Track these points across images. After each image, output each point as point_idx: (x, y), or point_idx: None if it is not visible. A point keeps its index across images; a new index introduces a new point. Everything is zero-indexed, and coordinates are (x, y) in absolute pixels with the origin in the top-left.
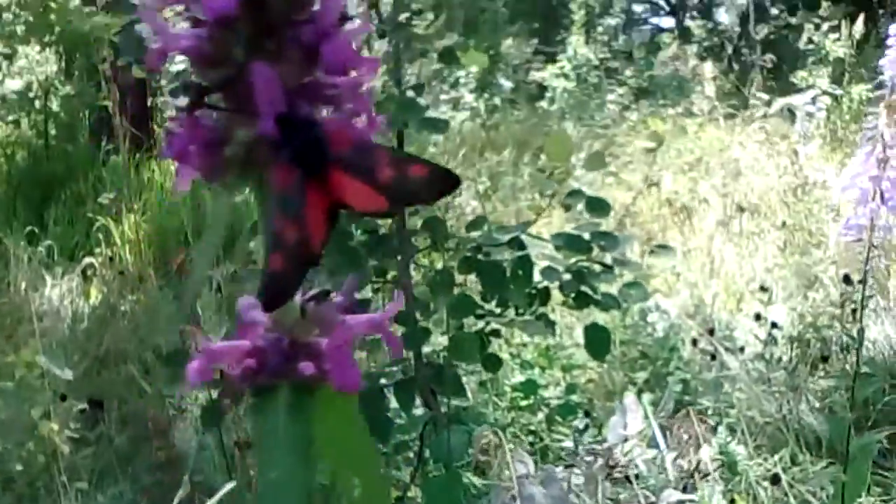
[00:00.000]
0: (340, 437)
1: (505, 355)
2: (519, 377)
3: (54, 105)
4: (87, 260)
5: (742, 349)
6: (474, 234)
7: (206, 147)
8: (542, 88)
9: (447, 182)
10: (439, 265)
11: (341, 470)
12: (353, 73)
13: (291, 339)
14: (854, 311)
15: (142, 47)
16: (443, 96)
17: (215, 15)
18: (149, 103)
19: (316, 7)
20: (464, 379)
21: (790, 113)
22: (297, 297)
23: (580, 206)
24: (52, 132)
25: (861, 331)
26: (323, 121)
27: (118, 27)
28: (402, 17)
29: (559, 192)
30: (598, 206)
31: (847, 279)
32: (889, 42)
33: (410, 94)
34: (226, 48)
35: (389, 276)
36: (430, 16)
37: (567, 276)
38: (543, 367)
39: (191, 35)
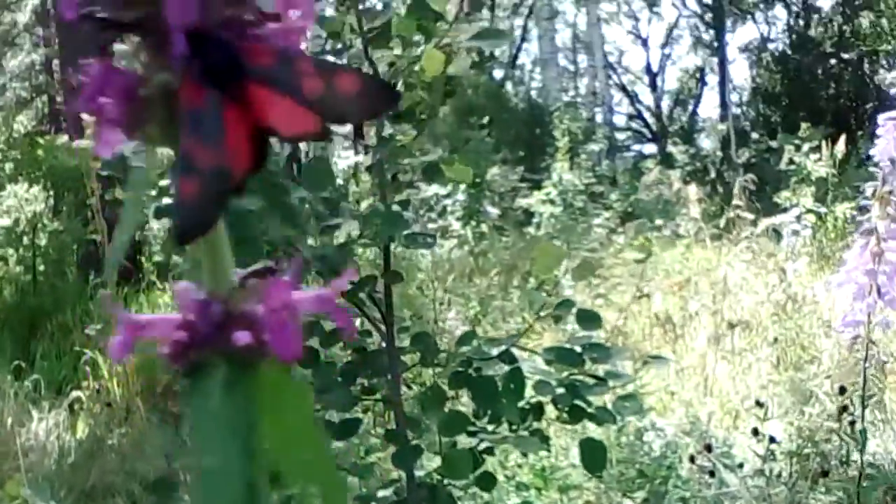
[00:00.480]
0: (283, 419)
1: (500, 477)
2: (515, 499)
3: (42, 241)
4: (75, 393)
5: (741, 466)
6: (464, 348)
7: (124, 95)
8: (529, 214)
9: (383, 96)
10: (429, 382)
11: (284, 459)
12: (289, 15)
13: (225, 308)
14: (852, 423)
15: (126, 167)
16: (430, 225)
17: None
18: (136, 237)
19: None
20: (458, 500)
21: (776, 232)
22: (236, 273)
23: (570, 327)
24: (41, 267)
25: (864, 431)
26: (243, 32)
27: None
28: (387, 132)
29: (549, 303)
30: (589, 319)
31: (843, 390)
32: (878, 132)
33: (396, 208)
34: None
35: (379, 395)
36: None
37: (560, 390)
38: (539, 489)
39: None
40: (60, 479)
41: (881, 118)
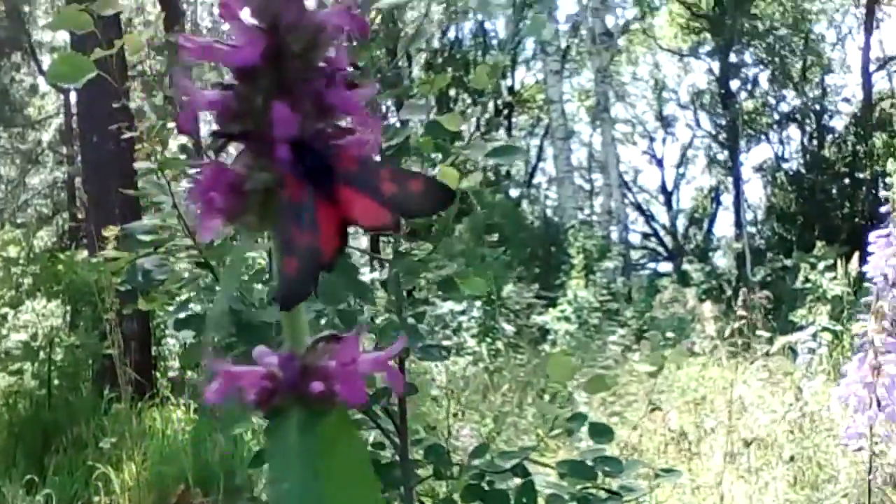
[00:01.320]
0: (345, 456)
1: None
2: None
3: (58, 355)
4: None
5: None
6: (477, 461)
7: (229, 190)
8: (545, 331)
9: (443, 195)
10: (443, 495)
11: (341, 487)
12: (360, 130)
13: (303, 363)
14: None
15: (147, 279)
16: (445, 342)
17: (241, 65)
18: (152, 352)
19: (327, 65)
20: None
21: (792, 350)
22: (308, 338)
23: (584, 444)
24: (55, 381)
25: None
26: (332, 144)
27: (124, 270)
28: (404, 247)
29: (562, 416)
30: (601, 432)
31: None
32: (870, 248)
33: (411, 321)
34: (248, 101)
35: None
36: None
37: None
38: None
39: (216, 93)
40: None
41: (872, 236)
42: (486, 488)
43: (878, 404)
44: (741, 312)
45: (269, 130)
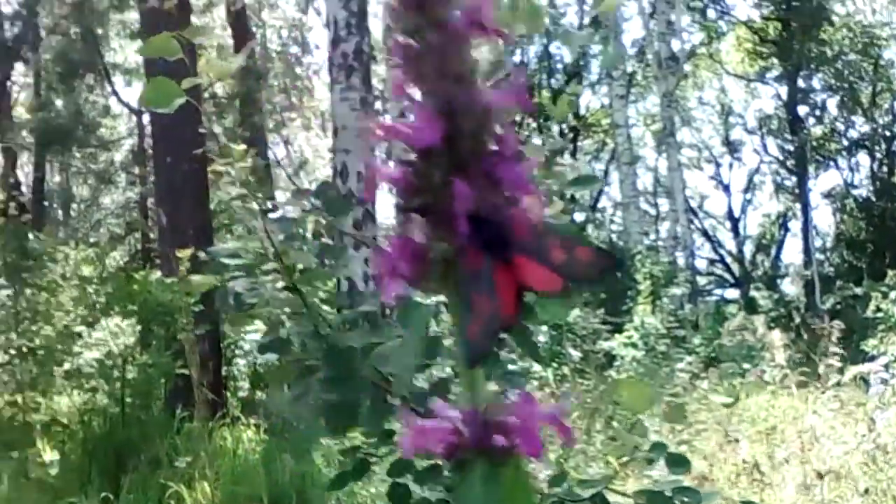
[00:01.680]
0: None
1: None
2: None
3: (130, 374)
4: None
5: None
6: (556, 490)
7: (413, 258)
8: (611, 357)
9: (608, 261)
10: None
11: None
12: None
13: (485, 419)
14: None
15: (238, 302)
16: (511, 366)
17: (423, 146)
18: (224, 372)
19: (496, 145)
20: None
21: (864, 380)
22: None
23: (656, 473)
24: (128, 400)
25: None
26: (506, 214)
27: (198, 294)
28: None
29: (640, 444)
30: (678, 462)
31: None
32: None
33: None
34: (427, 178)
35: None
36: None
37: None
38: None
39: (398, 169)
40: None
41: None
42: None
43: None
44: (833, 350)
45: (448, 204)
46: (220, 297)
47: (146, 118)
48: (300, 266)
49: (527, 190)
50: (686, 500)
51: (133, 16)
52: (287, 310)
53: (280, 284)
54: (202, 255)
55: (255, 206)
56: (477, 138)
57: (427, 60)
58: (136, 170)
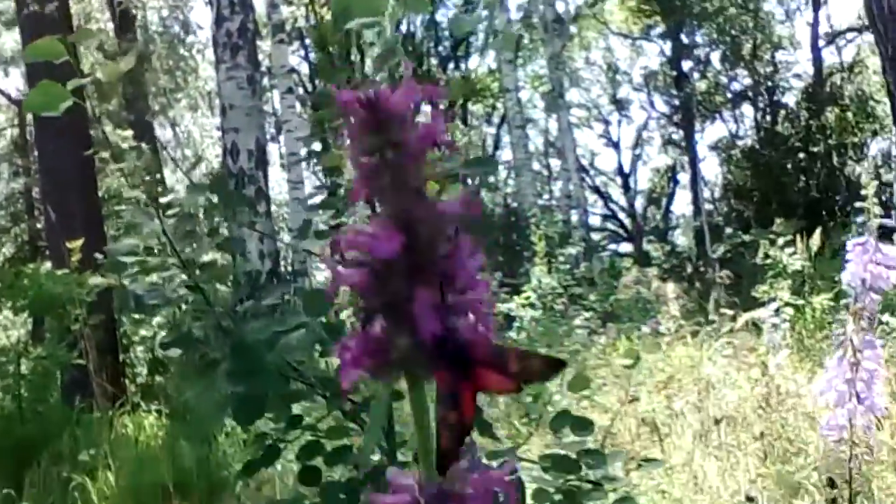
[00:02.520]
0: None
1: None
2: None
3: (24, 368)
4: None
5: None
6: (464, 461)
7: (375, 354)
8: (510, 318)
9: (557, 367)
10: None
11: None
12: (472, 293)
13: (442, 489)
14: None
15: (139, 304)
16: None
17: (383, 256)
18: (122, 359)
19: (448, 247)
20: None
21: (755, 326)
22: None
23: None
24: (24, 394)
25: None
26: (463, 332)
27: (95, 288)
28: None
29: (546, 414)
30: (582, 426)
31: (832, 483)
32: (847, 256)
33: None
34: (386, 281)
35: None
36: None
37: (558, 497)
38: None
39: (358, 272)
40: None
41: (849, 244)
42: None
43: (858, 398)
44: (724, 298)
45: (407, 304)
46: (121, 299)
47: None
48: (199, 260)
49: (478, 289)
50: (591, 462)
51: (8, 3)
52: (189, 307)
53: (180, 280)
54: (94, 248)
55: (147, 202)
56: (432, 245)
57: (385, 176)
58: (20, 160)
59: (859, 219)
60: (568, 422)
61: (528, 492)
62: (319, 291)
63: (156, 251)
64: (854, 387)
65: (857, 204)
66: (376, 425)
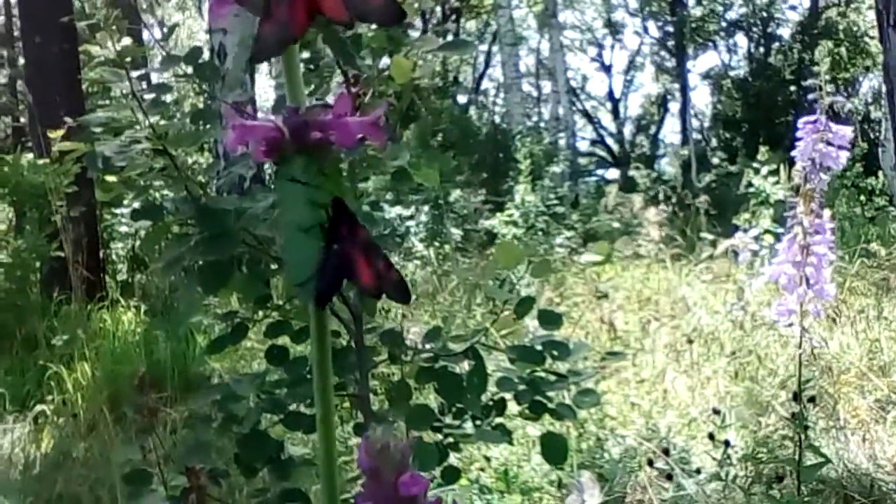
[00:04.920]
0: (336, 188)
1: (463, 481)
2: (478, 502)
3: (3, 258)
4: (39, 407)
5: (698, 471)
6: (430, 345)
7: None
8: (492, 236)
9: (398, 12)
10: (396, 378)
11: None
12: None
13: (304, 118)
14: (805, 428)
15: (107, 165)
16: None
17: None
18: (101, 255)
19: None
20: None
21: (735, 253)
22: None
23: (530, 335)
24: (3, 285)
25: (802, 419)
26: None
27: (72, 176)
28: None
29: (511, 300)
30: (550, 319)
31: (796, 396)
32: (798, 134)
33: (366, 209)
34: None
35: (348, 392)
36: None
37: (522, 387)
38: (502, 492)
39: None
40: (26, 490)
41: (801, 122)
42: (439, 371)
43: (808, 282)
44: (704, 223)
45: None
46: (89, 160)
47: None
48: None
49: None
50: (556, 353)
51: None
52: (158, 174)
53: (150, 147)
54: (74, 132)
55: (122, 71)
56: None
57: None
58: (4, 52)
59: (810, 96)
60: (531, 307)
61: (492, 380)
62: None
63: (130, 123)
64: (803, 270)
65: (809, 81)
66: (242, 50)
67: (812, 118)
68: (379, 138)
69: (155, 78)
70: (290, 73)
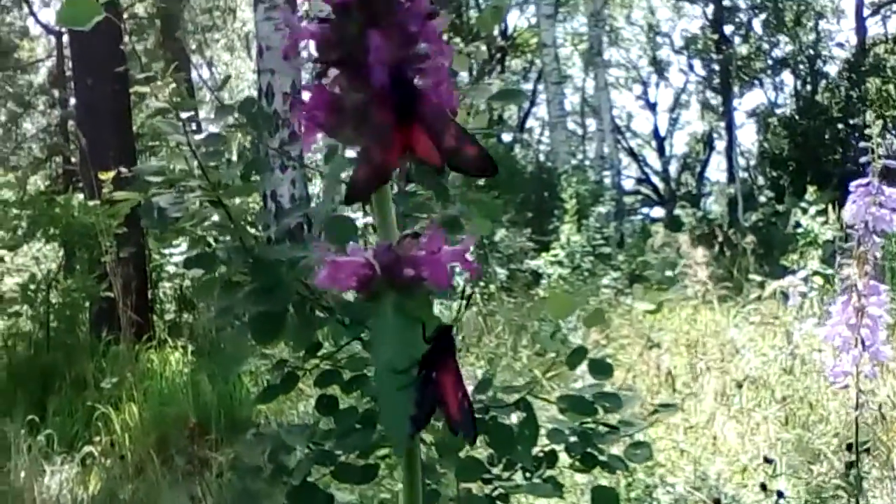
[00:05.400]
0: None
1: None
2: None
3: (54, 298)
4: (87, 448)
5: None
6: (481, 396)
7: (330, 108)
8: (537, 276)
9: (489, 166)
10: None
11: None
12: (438, 58)
13: (396, 253)
14: (861, 479)
15: (162, 217)
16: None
17: (339, 1)
18: (150, 295)
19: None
20: None
21: (783, 295)
22: (397, 234)
23: (580, 384)
24: (53, 324)
25: (858, 476)
26: (418, 84)
27: (122, 217)
28: (408, 186)
29: (562, 350)
30: (601, 369)
31: (849, 447)
32: (850, 197)
33: None
34: (342, 32)
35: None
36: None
37: (573, 438)
38: None
39: (316, 26)
40: None
41: (852, 185)
42: (490, 421)
43: (863, 344)
44: (752, 264)
45: (363, 57)
46: (144, 211)
47: (65, 39)
48: (226, 183)
49: (437, 45)
50: (607, 404)
51: None
52: (212, 224)
53: (204, 199)
54: (126, 176)
55: (178, 122)
56: None
57: None
58: (56, 92)
59: (863, 158)
60: (583, 358)
61: (543, 431)
62: (345, 218)
63: (183, 172)
64: (858, 332)
65: (862, 144)
66: (329, 189)
67: (864, 181)
68: (471, 271)
69: (204, 123)
70: (381, 209)
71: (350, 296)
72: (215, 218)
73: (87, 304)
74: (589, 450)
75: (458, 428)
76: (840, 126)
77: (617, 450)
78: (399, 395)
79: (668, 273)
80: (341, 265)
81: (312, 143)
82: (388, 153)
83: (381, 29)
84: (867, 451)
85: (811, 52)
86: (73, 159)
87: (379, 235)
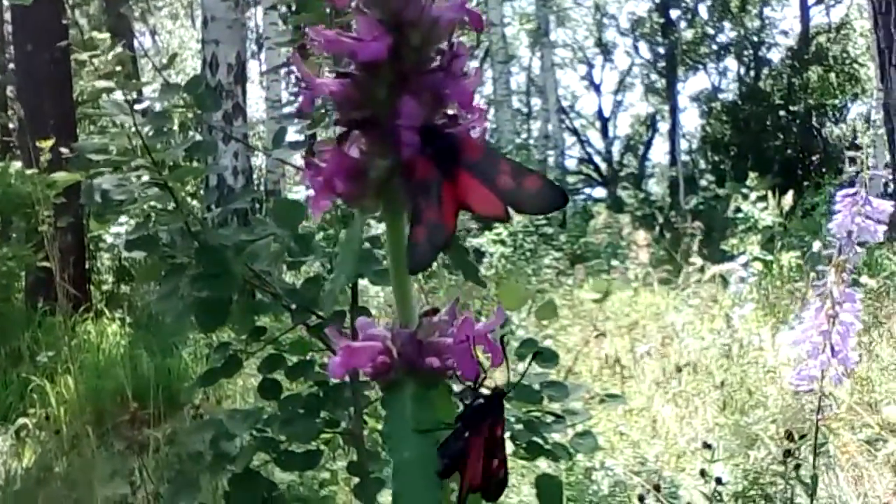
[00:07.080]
0: (447, 420)
1: None
2: None
3: None
4: (21, 420)
5: None
6: None
7: (350, 175)
8: (480, 254)
9: (558, 196)
10: None
11: None
12: (466, 114)
13: (418, 339)
14: (797, 466)
15: (105, 199)
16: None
17: (367, 59)
18: (87, 266)
19: (440, 59)
20: None
21: (723, 279)
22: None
23: (521, 366)
24: None
25: (815, 477)
26: (457, 131)
27: (61, 188)
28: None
29: (506, 336)
30: (547, 358)
31: (790, 435)
32: (835, 208)
33: (367, 245)
34: (368, 91)
35: (341, 427)
36: None
37: (519, 427)
38: None
39: (336, 82)
40: None
41: (839, 195)
42: None
43: (832, 350)
44: (694, 249)
45: (391, 119)
46: (85, 193)
47: (5, 3)
48: (170, 162)
49: (470, 107)
50: (553, 393)
51: None
52: (156, 205)
53: (148, 179)
54: (64, 148)
55: (122, 99)
56: (423, 53)
57: None
58: None
59: (850, 168)
60: (533, 349)
61: None
62: (294, 202)
63: (126, 150)
64: (829, 339)
65: (849, 154)
66: (346, 258)
67: (852, 191)
68: (496, 357)
69: (147, 91)
70: (401, 284)
71: (297, 283)
72: (160, 197)
73: (23, 273)
74: (534, 438)
75: (476, 491)
76: (782, 113)
77: (560, 437)
78: (421, 495)
79: (612, 262)
80: (356, 351)
81: (324, 209)
82: (442, 212)
83: (410, 90)
84: (803, 437)
85: (755, 38)
86: (10, 126)
87: (398, 314)
